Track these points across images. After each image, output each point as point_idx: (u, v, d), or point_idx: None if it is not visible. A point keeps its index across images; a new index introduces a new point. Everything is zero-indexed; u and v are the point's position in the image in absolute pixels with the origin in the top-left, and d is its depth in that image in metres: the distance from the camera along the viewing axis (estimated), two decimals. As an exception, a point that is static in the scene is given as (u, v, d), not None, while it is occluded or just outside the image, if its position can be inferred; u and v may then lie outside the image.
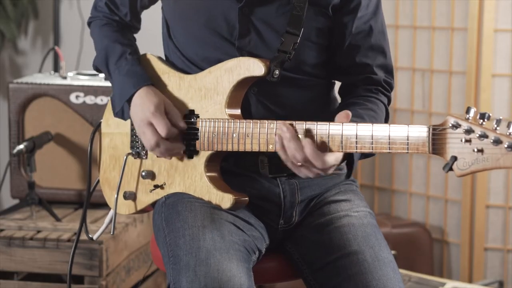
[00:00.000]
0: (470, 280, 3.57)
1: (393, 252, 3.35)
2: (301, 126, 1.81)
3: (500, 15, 3.47)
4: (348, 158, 1.89)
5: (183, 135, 1.97)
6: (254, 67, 1.91)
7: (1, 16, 3.95)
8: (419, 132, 1.69)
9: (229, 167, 2.01)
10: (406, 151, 1.71)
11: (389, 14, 3.74)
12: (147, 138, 1.94)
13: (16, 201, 3.35)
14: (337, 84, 2.12)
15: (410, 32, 3.71)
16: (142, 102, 1.96)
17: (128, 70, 2.02)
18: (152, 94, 1.96)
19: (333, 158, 1.79)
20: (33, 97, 3.29)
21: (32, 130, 3.29)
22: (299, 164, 1.81)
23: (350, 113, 1.80)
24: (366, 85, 2.03)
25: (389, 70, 2.06)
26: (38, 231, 3.04)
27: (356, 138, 1.76)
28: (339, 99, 2.10)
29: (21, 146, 3.12)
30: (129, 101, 2.00)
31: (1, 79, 4.17)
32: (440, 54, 3.64)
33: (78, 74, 3.43)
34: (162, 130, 1.93)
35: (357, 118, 1.90)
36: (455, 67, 3.59)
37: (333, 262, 1.92)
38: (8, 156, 3.40)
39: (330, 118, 1.82)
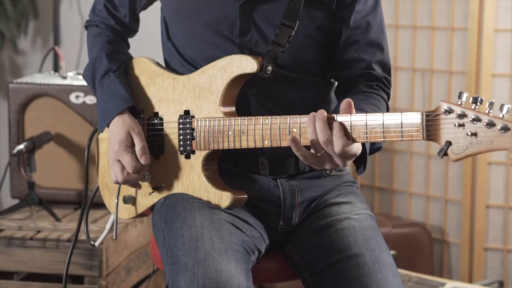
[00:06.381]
0: (470, 280, 3.56)
1: (393, 252, 3.35)
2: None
3: (500, 15, 3.47)
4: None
5: (179, 135, 1.98)
6: (246, 64, 1.91)
7: (1, 16, 3.95)
8: (413, 119, 1.69)
9: (229, 168, 2.01)
10: (401, 138, 1.71)
11: (389, 14, 3.73)
12: (115, 174, 1.99)
13: (16, 201, 3.35)
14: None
15: (410, 32, 3.71)
16: (111, 136, 2.00)
17: (110, 90, 2.04)
18: (120, 127, 1.99)
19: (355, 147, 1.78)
20: (33, 97, 3.29)
21: (32, 130, 3.28)
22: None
23: (351, 100, 1.78)
24: (366, 81, 2.02)
25: (386, 68, 2.05)
26: (38, 231, 3.04)
27: (351, 129, 1.76)
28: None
29: (21, 146, 3.12)
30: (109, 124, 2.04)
31: (1, 79, 4.17)
32: (440, 54, 3.63)
33: (78, 74, 3.42)
34: (129, 167, 1.96)
35: (360, 111, 1.89)
36: (455, 67, 3.59)
37: (333, 264, 1.91)
38: (8, 156, 3.40)
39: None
